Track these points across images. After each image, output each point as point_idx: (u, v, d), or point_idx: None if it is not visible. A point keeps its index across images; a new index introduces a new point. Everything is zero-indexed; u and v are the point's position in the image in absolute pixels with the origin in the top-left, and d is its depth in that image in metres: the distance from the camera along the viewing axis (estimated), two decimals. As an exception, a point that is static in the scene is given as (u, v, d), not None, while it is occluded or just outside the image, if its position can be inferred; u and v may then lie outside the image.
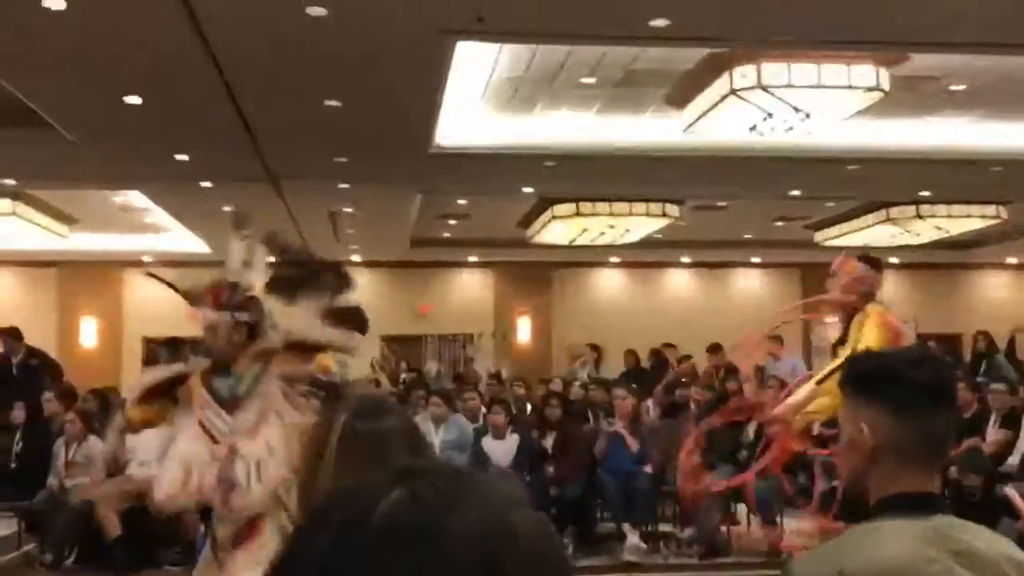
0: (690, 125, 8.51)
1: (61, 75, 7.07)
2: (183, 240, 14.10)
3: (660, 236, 13.82)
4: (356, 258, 15.65)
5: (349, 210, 12.19)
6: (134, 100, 7.61)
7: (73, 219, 13.22)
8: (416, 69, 7.03)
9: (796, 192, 11.78)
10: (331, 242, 13.64)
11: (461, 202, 12.77)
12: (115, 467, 8.08)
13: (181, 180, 10.35)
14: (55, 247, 13.98)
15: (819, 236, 14.69)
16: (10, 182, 10.72)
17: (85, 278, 16.16)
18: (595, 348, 14.70)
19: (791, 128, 8.12)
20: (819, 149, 9.43)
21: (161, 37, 6.30)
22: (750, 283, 18.29)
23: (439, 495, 0.64)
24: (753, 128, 8.14)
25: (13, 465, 8.27)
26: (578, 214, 12.09)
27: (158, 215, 12.84)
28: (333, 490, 0.69)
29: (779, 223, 14.38)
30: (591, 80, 8.17)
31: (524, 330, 17.58)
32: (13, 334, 10.30)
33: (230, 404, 4.23)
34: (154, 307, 13.82)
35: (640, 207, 12.02)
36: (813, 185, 11.31)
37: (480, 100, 8.66)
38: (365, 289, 17.72)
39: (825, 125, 8.32)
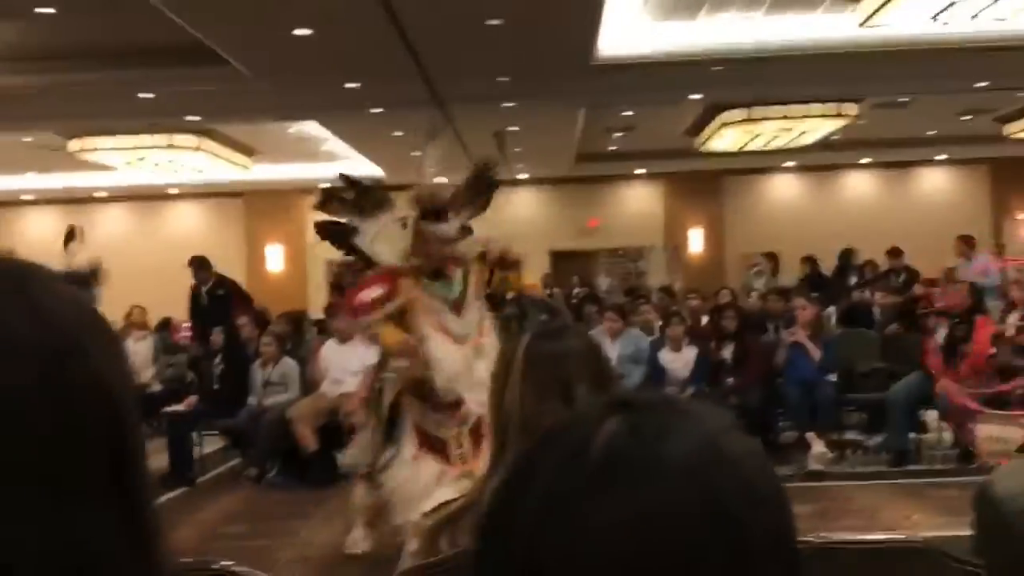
0: (867, 19, 8.08)
1: (234, 12, 7.30)
2: (358, 166, 14.48)
3: (837, 137, 13.29)
4: (523, 176, 15.74)
5: (514, 129, 12.22)
6: (304, 32, 7.79)
7: (254, 151, 13.78)
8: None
9: (983, 84, 11.06)
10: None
11: (626, 114, 12.59)
12: (311, 384, 8.52)
13: (352, 108, 10.60)
14: (239, 178, 14.66)
15: (1009, 129, 13.79)
16: (194, 118, 11.23)
17: (269, 207, 16.88)
18: (771, 257, 14.37)
19: (976, 15, 7.60)
20: (1008, 36, 8.79)
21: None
22: (935, 182, 17.44)
23: (654, 425, 0.65)
24: (936, 17, 7.66)
25: (216, 387, 8.81)
26: (749, 119, 11.75)
27: (333, 143, 13.23)
28: (551, 420, 0.70)
29: (965, 117, 13.57)
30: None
31: (696, 241, 17.34)
32: (202, 264, 10.77)
33: (452, 308, 4.52)
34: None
35: (815, 108, 11.57)
36: (1002, 75, 10.58)
37: (642, 7, 8.46)
38: (532, 206, 17.95)
39: (1014, 9, 7.74)
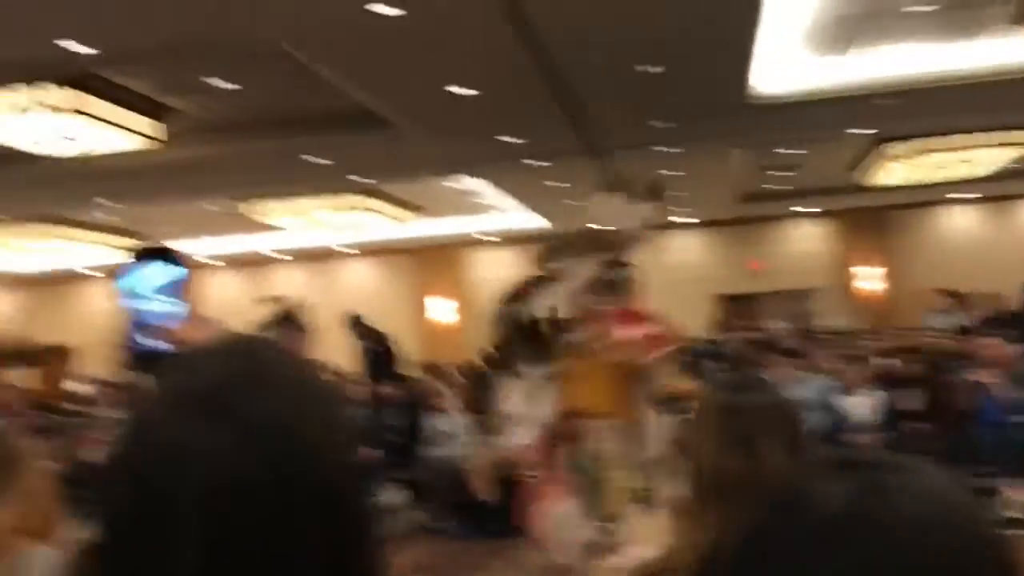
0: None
1: (395, 77, 7.59)
2: (522, 218, 14.71)
3: (1016, 166, 12.67)
4: (685, 219, 15.61)
5: (672, 173, 12.16)
6: (463, 91, 8.02)
7: (417, 207, 14.16)
8: (729, 17, 6.88)
9: None
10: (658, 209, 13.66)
11: (787, 151, 12.35)
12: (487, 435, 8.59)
13: (512, 161, 10.78)
14: (404, 235, 15.11)
15: None
16: (360, 180, 11.67)
17: (436, 261, 17.29)
18: (954, 294, 13.68)
19: None
20: None
21: (485, 29, 6.59)
22: None
23: (884, 484, 0.65)
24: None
25: (394, 439, 8.98)
26: (917, 151, 11.34)
27: (494, 196, 13.48)
28: (783, 484, 0.71)
29: None
30: (920, 8, 7.62)
31: (867, 279, 16.78)
32: (356, 321, 11.01)
33: None
34: (500, 283, 14.62)
35: (988, 137, 11.08)
36: None
37: (798, 43, 8.33)
38: (696, 250, 17.67)
39: None
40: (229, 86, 8.28)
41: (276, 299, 6.21)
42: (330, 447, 0.72)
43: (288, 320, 4.89)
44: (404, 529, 8.93)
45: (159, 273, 1.04)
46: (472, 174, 12.01)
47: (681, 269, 16.03)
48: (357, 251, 17.42)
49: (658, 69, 7.77)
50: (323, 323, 14.60)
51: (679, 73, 7.98)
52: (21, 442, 2.35)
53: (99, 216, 13.59)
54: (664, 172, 12.02)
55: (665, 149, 10.71)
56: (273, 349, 0.75)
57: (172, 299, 1.04)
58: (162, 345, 1.04)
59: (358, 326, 11.04)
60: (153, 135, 8.87)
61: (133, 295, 1.04)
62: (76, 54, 6.54)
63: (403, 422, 8.97)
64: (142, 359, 1.07)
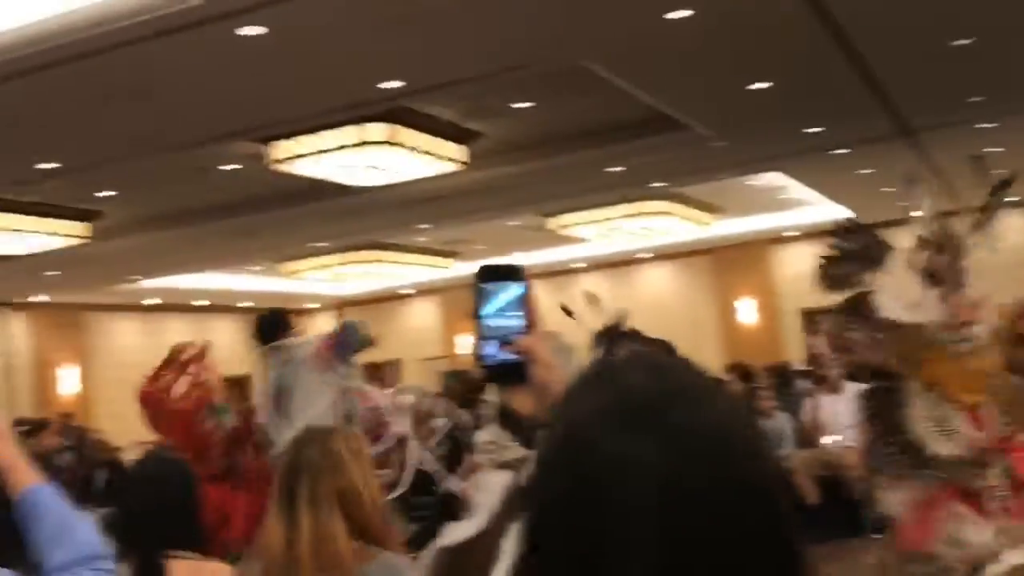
0: None
1: (690, 77, 7.53)
2: (824, 210, 14.16)
3: None
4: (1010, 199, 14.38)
5: (997, 150, 11.25)
6: (760, 86, 7.83)
7: (717, 208, 13.99)
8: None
9: None
10: (977, 187, 12.70)
11: None
12: (804, 436, 8.38)
13: (813, 153, 10.41)
14: (705, 236, 14.97)
15: None
16: (660, 184, 11.68)
17: (737, 261, 16.98)
18: None
19: None
20: None
21: (781, 21, 6.41)
22: None
23: None
24: None
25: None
26: None
27: (796, 190, 13.06)
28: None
29: None
30: None
31: None
32: (626, 333, 10.67)
33: None
34: (806, 280, 14.15)
35: None
36: None
37: None
38: (1027, 230, 16.26)
39: None
40: (526, 105, 8.56)
41: (591, 299, 6.22)
42: (760, 452, 0.75)
43: (618, 331, 4.89)
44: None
45: (504, 288, 1.08)
46: (772, 169, 11.70)
47: (1011, 252, 14.81)
48: (655, 256, 17.43)
49: (970, 41, 7.22)
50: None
51: (996, 45, 7.38)
52: (345, 445, 2.43)
53: (415, 239, 14.46)
54: (982, 150, 11.17)
55: (982, 125, 9.94)
56: (681, 360, 0.78)
57: (518, 313, 1.09)
58: (512, 358, 1.09)
59: (626, 336, 10.91)
60: (459, 159, 9.34)
61: (482, 311, 1.10)
62: (389, 90, 6.98)
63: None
64: (495, 372, 1.13)
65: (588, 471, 0.71)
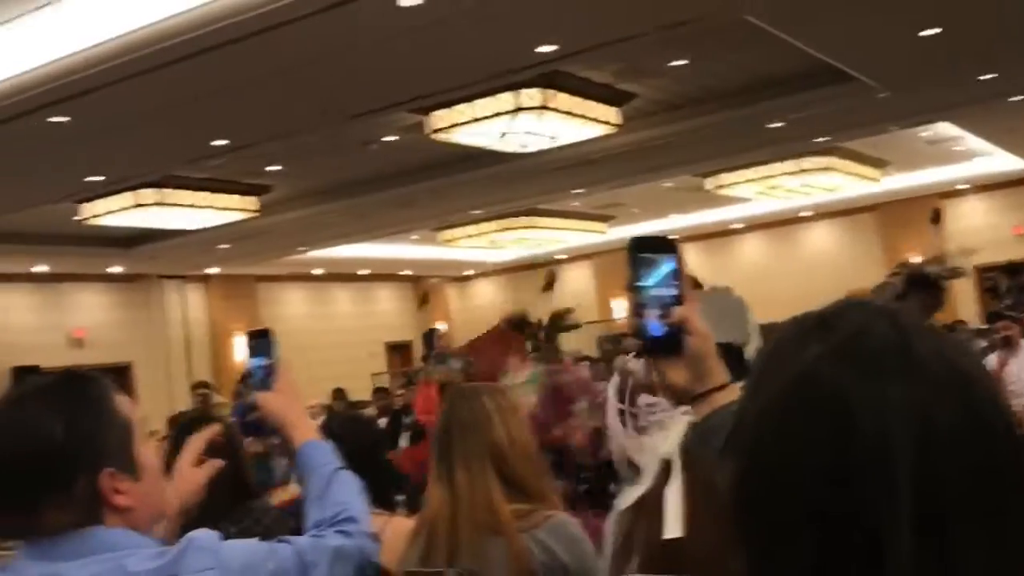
0: None
1: (858, 27, 7.23)
2: (997, 161, 13.46)
3: None
4: None
5: None
6: (931, 32, 7.45)
7: (884, 162, 13.45)
8: None
9: None
10: None
11: None
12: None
13: (988, 100, 9.87)
14: (871, 191, 14.44)
15: None
16: (823, 139, 11.31)
17: (904, 217, 16.31)
18: None
19: None
20: None
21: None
22: None
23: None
24: None
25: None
26: None
27: (968, 140, 12.44)
28: None
29: None
30: None
31: None
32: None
33: None
34: (979, 235, 13.50)
35: None
36: None
37: None
38: None
39: None
40: (682, 62, 8.41)
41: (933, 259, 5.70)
42: (998, 392, 0.75)
43: (920, 281, 4.57)
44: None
45: (658, 260, 1.08)
46: (942, 120, 11.16)
47: None
48: (818, 214, 16.91)
49: None
50: (785, 291, 14.49)
51: None
52: (493, 401, 2.44)
53: (570, 204, 14.46)
54: None
55: None
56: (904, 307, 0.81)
57: (672, 284, 1.08)
58: (667, 329, 1.09)
59: None
60: (614, 121, 9.27)
61: (637, 282, 1.09)
62: (545, 54, 6.97)
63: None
64: (651, 344, 1.13)
65: (838, 417, 0.71)
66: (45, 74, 6.34)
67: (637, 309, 1.26)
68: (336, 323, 18.86)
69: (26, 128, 7.11)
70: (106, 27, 5.96)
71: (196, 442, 1.96)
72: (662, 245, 1.31)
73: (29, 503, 1.34)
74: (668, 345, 1.26)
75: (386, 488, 2.52)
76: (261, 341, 1.96)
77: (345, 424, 2.68)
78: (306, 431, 1.83)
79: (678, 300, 1.27)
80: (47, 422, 1.35)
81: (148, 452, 1.46)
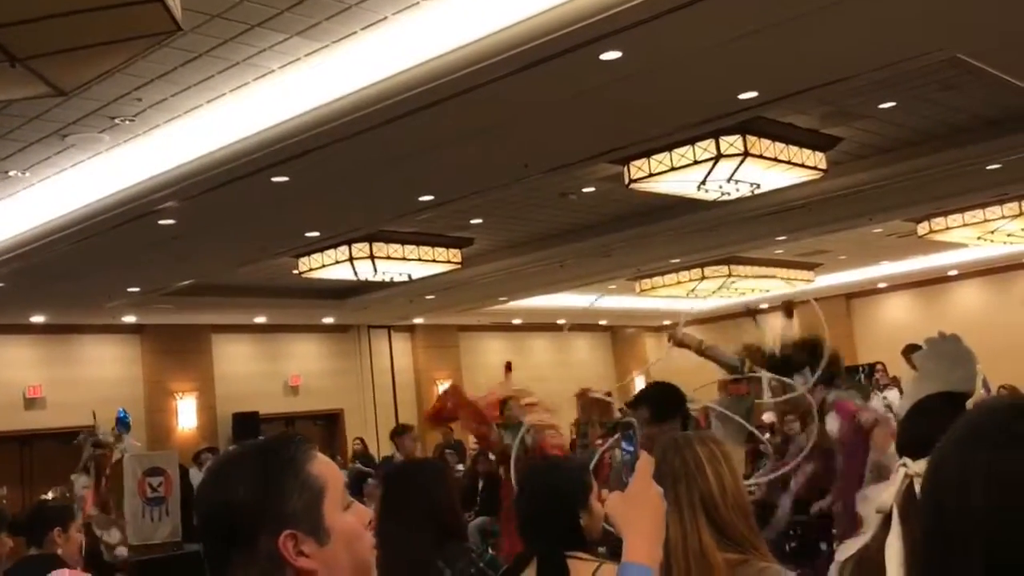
0: None
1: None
2: None
3: None
4: None
5: None
6: None
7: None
8: None
9: None
10: None
11: None
12: None
13: None
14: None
15: None
16: None
17: None
18: None
19: None
20: None
21: None
22: None
23: None
24: None
25: None
26: None
27: None
28: None
29: None
30: None
31: None
32: None
33: None
34: None
35: None
36: None
37: None
38: None
39: None
40: (890, 104, 8.14)
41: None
42: None
43: None
44: None
45: None
46: None
47: None
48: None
49: None
50: (1004, 342, 13.54)
51: None
52: (705, 451, 2.41)
53: (773, 251, 14.16)
54: None
55: None
56: None
57: None
58: None
59: None
60: (818, 166, 9.04)
61: None
62: (747, 100, 6.90)
63: None
64: None
65: None
66: (268, 138, 6.80)
67: None
68: (534, 372, 19.07)
69: (250, 187, 7.62)
70: (322, 92, 6.35)
71: None
72: None
73: (221, 558, 1.40)
74: None
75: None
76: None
77: (551, 472, 2.73)
78: (636, 551, 1.65)
79: None
80: (235, 483, 1.41)
81: (343, 516, 1.44)
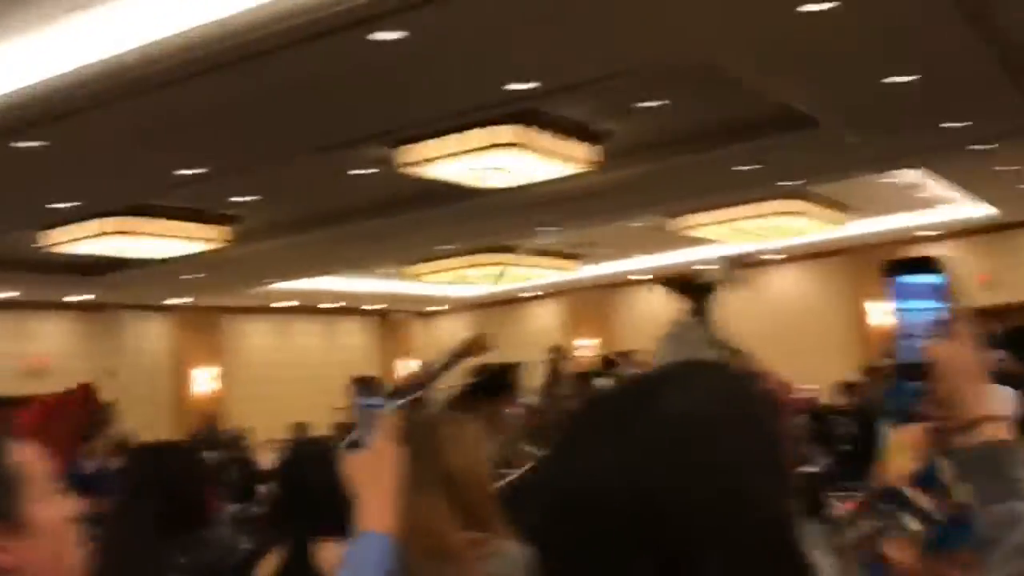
0: None
1: (826, 73, 7.30)
2: (965, 208, 13.66)
3: None
4: None
5: None
6: (899, 80, 7.53)
7: (850, 207, 13.57)
8: None
9: None
10: None
11: None
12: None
13: (955, 148, 10.00)
14: (837, 236, 14.58)
15: None
16: (789, 184, 11.40)
17: (870, 261, 16.43)
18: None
19: None
20: None
21: (923, 10, 6.17)
22: None
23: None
24: None
25: (845, 448, 8.71)
26: None
27: (933, 187, 12.60)
28: None
29: None
30: None
31: None
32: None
33: None
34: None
35: None
36: None
37: None
38: None
39: None
40: (650, 104, 8.46)
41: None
42: None
43: None
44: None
45: (921, 281, 1.06)
46: (910, 166, 11.29)
47: None
48: (784, 257, 17.04)
49: None
50: (753, 332, 14.47)
51: None
52: (448, 430, 2.40)
53: (539, 241, 14.46)
54: None
55: None
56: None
57: (938, 305, 1.07)
58: (921, 359, 1.08)
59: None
60: (589, 159, 9.29)
61: (901, 306, 1.09)
62: (519, 91, 6.98)
63: (862, 431, 8.60)
64: (904, 368, 1.12)
65: None
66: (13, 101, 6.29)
67: (898, 334, 1.26)
68: (300, 356, 18.71)
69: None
70: (85, 52, 5.92)
71: None
72: (925, 264, 1.29)
73: None
74: (920, 372, 1.24)
75: (346, 515, 2.50)
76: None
77: (307, 449, 2.65)
78: (372, 520, 1.69)
79: (938, 323, 1.25)
80: None
81: (46, 509, 1.37)
